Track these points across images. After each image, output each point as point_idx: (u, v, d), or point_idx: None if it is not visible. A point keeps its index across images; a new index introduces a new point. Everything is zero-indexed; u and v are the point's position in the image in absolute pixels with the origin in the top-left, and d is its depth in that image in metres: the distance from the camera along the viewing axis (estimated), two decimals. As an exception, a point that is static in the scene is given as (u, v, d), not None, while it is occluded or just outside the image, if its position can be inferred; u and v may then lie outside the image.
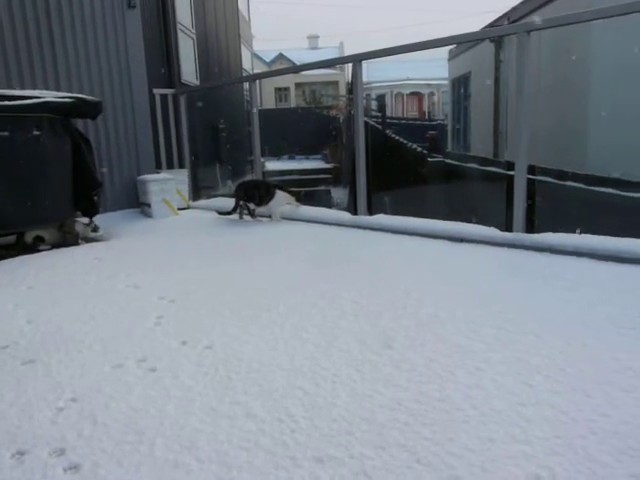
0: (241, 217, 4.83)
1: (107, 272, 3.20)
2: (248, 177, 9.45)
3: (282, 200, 4.68)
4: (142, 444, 1.42)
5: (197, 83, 8.31)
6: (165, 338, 2.14)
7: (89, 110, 4.19)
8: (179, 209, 5.44)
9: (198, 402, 1.62)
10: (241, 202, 4.71)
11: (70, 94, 4.11)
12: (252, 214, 4.75)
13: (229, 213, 4.86)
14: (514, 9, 10.57)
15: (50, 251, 3.87)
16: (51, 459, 1.38)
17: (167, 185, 5.31)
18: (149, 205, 5.21)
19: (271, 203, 4.60)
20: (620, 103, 6.81)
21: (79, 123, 4.60)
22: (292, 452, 1.36)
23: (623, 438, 1.34)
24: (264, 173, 8.50)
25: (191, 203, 5.91)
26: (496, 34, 7.16)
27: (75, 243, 4.10)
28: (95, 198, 4.31)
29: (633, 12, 3.01)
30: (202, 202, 6.08)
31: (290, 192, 4.78)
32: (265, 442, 1.41)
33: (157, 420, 1.53)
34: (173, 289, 2.79)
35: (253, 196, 4.61)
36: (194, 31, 8.33)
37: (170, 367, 1.87)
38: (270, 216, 4.73)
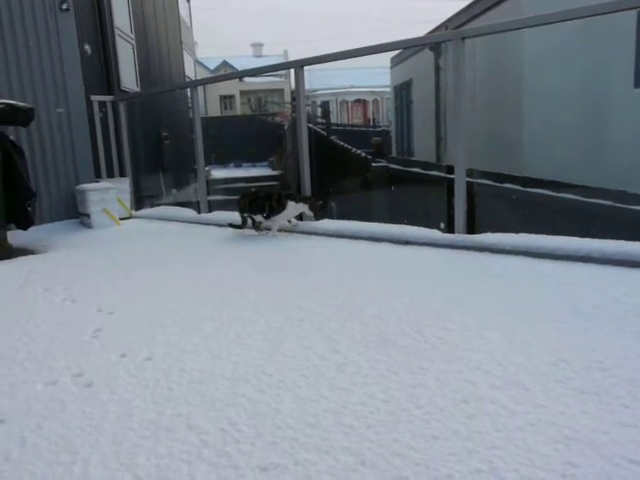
0: (243, 228, 4.33)
1: (42, 285, 3.06)
2: (192, 185, 9.28)
3: (291, 212, 4.18)
4: (76, 464, 1.34)
5: (138, 90, 8.10)
6: (103, 351, 2.05)
7: (20, 117, 4.02)
8: (121, 219, 5.28)
9: (137, 416, 1.56)
10: (245, 214, 4.26)
11: (-1, 100, 3.93)
12: (258, 227, 4.26)
13: (240, 227, 4.31)
14: (450, 19, 10.93)
15: (-20, 266, 3.67)
16: (-25, 486, 1.29)
17: (107, 194, 5.14)
18: (88, 215, 5.02)
19: (280, 215, 4.12)
20: (549, 116, 7.18)
21: (10, 131, 4.39)
22: (235, 462, 1.32)
23: (559, 428, 1.38)
24: (208, 181, 8.31)
25: (133, 212, 5.75)
26: (433, 41, 7.45)
27: (8, 256, 3.90)
28: (29, 209, 4.12)
29: (559, 21, 3.15)
30: (145, 211, 5.92)
31: (305, 199, 4.22)
32: (208, 454, 1.37)
33: (93, 437, 1.46)
34: (112, 301, 2.69)
35: (261, 207, 4.13)
36: (133, 36, 8.12)
37: (108, 381, 1.79)
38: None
